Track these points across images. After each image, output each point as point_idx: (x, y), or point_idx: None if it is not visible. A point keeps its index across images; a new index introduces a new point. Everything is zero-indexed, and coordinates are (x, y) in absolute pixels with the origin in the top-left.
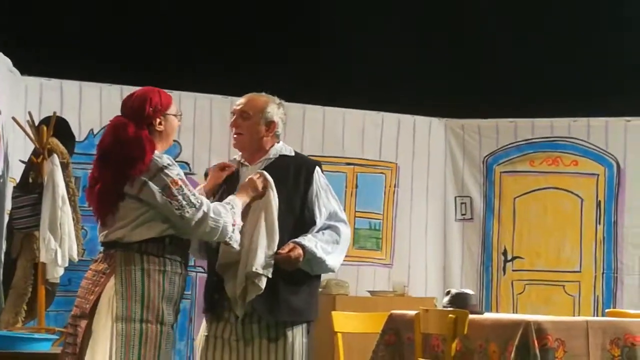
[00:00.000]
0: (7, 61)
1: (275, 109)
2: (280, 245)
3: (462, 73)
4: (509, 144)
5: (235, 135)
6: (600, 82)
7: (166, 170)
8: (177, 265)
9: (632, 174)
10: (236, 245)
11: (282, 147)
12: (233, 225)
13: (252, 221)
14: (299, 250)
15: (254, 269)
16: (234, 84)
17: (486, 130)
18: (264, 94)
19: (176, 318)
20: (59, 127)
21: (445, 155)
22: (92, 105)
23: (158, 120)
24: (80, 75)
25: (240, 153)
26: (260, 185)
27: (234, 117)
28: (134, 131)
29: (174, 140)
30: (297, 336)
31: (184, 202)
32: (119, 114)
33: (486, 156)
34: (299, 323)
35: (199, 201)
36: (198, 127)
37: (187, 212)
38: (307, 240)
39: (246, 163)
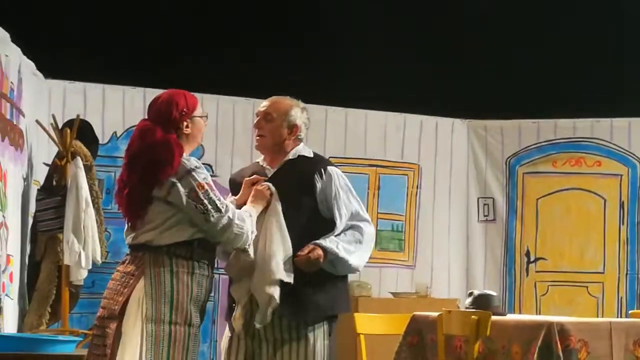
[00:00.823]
0: (31, 65)
1: (299, 112)
2: (299, 248)
3: (485, 74)
4: (532, 145)
5: (257, 137)
6: (624, 83)
7: (194, 173)
8: (205, 268)
9: None
10: (251, 254)
11: (302, 149)
12: (252, 233)
13: (262, 230)
14: (319, 251)
15: (278, 277)
16: (257, 86)
17: (508, 131)
18: (288, 97)
19: (202, 319)
20: (82, 129)
21: (467, 157)
22: (115, 108)
23: (185, 123)
24: (103, 78)
25: (262, 156)
26: (267, 195)
27: (258, 118)
28: (162, 135)
29: None
30: (319, 337)
31: (210, 207)
32: (143, 116)
33: (509, 157)
34: (321, 320)
35: (224, 206)
36: (221, 129)
37: (213, 216)
38: (328, 241)
39: (267, 167)
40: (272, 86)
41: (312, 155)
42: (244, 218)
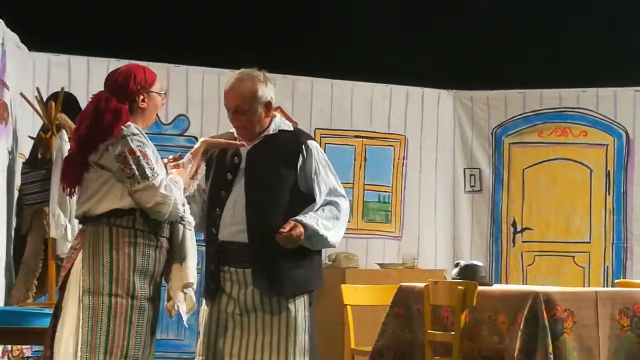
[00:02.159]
0: (15, 37)
1: (265, 88)
2: (281, 223)
3: (471, 45)
4: (518, 116)
5: (240, 131)
6: (610, 53)
7: (128, 139)
8: (151, 238)
9: None
10: (189, 227)
11: (281, 122)
12: (184, 205)
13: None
14: (301, 229)
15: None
16: (243, 58)
17: (495, 101)
18: (244, 74)
19: (157, 292)
20: (67, 103)
21: (454, 128)
22: (100, 80)
23: (142, 97)
24: (88, 51)
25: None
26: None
27: (230, 113)
28: (115, 104)
29: (183, 115)
30: (300, 309)
31: (137, 173)
32: None
33: (495, 128)
34: (301, 294)
35: (154, 175)
36: (207, 101)
37: (139, 182)
38: (308, 218)
39: (241, 138)
40: (257, 58)
41: (292, 129)
42: (172, 188)
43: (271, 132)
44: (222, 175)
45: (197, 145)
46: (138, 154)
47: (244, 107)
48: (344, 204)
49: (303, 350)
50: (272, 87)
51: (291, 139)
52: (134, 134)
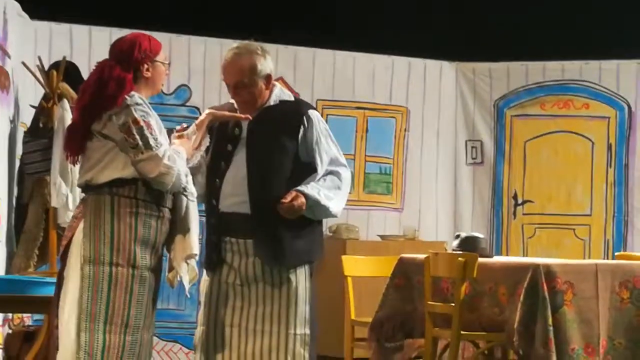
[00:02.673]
0: (17, 5)
1: (263, 60)
2: (284, 192)
3: (473, 16)
4: (520, 87)
5: (241, 104)
6: (612, 25)
7: (131, 108)
8: (153, 208)
9: None
10: (192, 197)
11: (281, 93)
12: (186, 175)
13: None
14: (302, 199)
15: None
16: (245, 28)
17: (497, 73)
18: (241, 48)
19: (159, 262)
20: (68, 71)
21: (455, 99)
22: (102, 49)
23: (146, 66)
24: (89, 20)
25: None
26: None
27: (231, 89)
28: (119, 72)
29: (184, 85)
30: (301, 279)
31: (140, 142)
32: None
33: (497, 100)
34: (302, 264)
35: (158, 145)
36: (208, 71)
37: (142, 152)
38: (310, 188)
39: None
40: (259, 28)
41: (292, 99)
42: (175, 158)
43: (272, 103)
44: (223, 146)
45: (201, 117)
46: (141, 123)
47: (243, 81)
48: (345, 174)
49: (304, 320)
50: (270, 59)
51: (292, 109)
52: (137, 104)
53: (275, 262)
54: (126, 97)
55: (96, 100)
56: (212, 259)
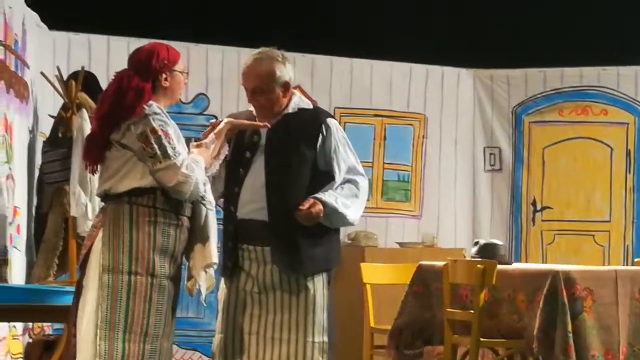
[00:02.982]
0: (35, 16)
1: (283, 67)
2: (301, 200)
3: (491, 23)
4: (538, 94)
5: (258, 110)
6: (630, 31)
7: (150, 118)
8: (171, 217)
9: None
10: (210, 206)
11: (300, 101)
12: (205, 184)
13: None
14: (319, 206)
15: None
16: (262, 36)
17: (515, 80)
18: (262, 54)
19: (178, 271)
20: (87, 81)
21: (473, 106)
22: (120, 59)
23: (164, 75)
24: (108, 30)
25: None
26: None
27: (248, 94)
28: (137, 82)
29: (202, 94)
30: (318, 287)
31: (159, 152)
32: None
33: (515, 106)
34: (319, 272)
35: (177, 155)
36: (226, 80)
37: (160, 161)
38: (327, 195)
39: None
40: (276, 36)
41: (311, 107)
42: (193, 167)
43: (290, 111)
44: (241, 153)
45: (220, 126)
46: (160, 132)
47: (262, 87)
48: (363, 182)
49: (321, 328)
50: (290, 67)
51: (310, 117)
52: (155, 113)
53: (292, 270)
54: (144, 106)
55: (115, 110)
56: (228, 266)
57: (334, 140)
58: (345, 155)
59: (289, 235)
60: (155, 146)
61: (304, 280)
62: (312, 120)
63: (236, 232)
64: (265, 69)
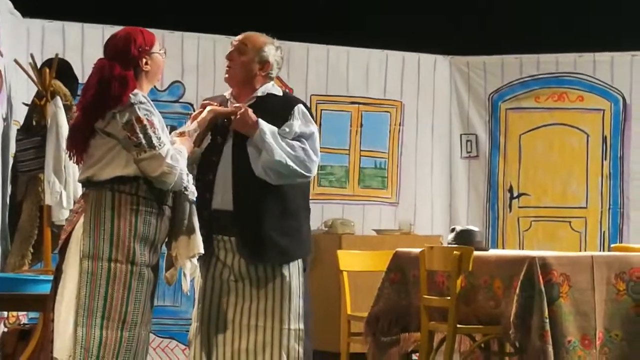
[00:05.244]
0: (8, 3)
1: (273, 50)
2: (265, 193)
3: (466, 9)
4: (514, 81)
5: (227, 68)
6: (606, 17)
7: (135, 107)
8: (153, 205)
9: (638, 108)
10: (192, 197)
11: (271, 87)
12: (188, 175)
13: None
14: (255, 118)
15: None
16: (238, 24)
17: (491, 66)
18: (264, 34)
19: (157, 259)
20: (61, 69)
21: (450, 93)
22: (94, 46)
23: (144, 60)
24: (82, 17)
25: (230, 90)
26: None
27: (231, 49)
28: (120, 71)
29: (178, 81)
30: (294, 274)
31: (144, 141)
32: None
33: (491, 93)
34: (285, 263)
35: (161, 145)
36: (202, 68)
37: (145, 151)
38: (267, 126)
39: (233, 100)
40: (252, 23)
41: (281, 94)
42: (178, 158)
43: (259, 94)
44: (214, 138)
45: (203, 114)
46: (145, 122)
47: (245, 49)
48: (307, 155)
49: (297, 315)
50: (278, 55)
51: (280, 104)
52: (141, 102)
53: (257, 260)
54: (130, 95)
55: (100, 100)
56: (204, 255)
57: (298, 120)
58: (304, 127)
59: (254, 226)
60: (140, 135)
61: (279, 268)
62: (281, 108)
63: (210, 222)
64: (259, 39)
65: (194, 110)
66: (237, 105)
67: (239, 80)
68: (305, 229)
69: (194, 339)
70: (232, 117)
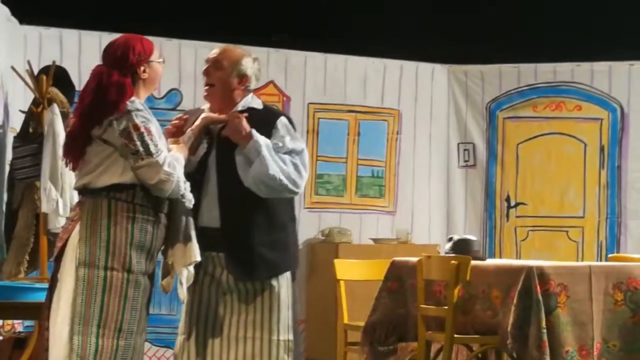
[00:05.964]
0: (6, 10)
1: (250, 62)
2: (251, 209)
3: (465, 19)
4: (512, 90)
5: (206, 87)
6: (604, 26)
7: (132, 114)
8: (150, 213)
9: (636, 118)
10: (189, 204)
11: (251, 100)
12: (185, 182)
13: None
14: (249, 129)
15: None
16: (236, 32)
17: (489, 76)
18: (240, 47)
19: (153, 267)
20: (58, 76)
21: (448, 102)
22: (91, 53)
23: (142, 67)
24: (79, 24)
25: (209, 105)
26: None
27: (207, 65)
28: (118, 78)
29: (175, 89)
30: (283, 285)
31: (141, 149)
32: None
33: (489, 102)
34: (273, 277)
35: (159, 152)
36: (199, 76)
37: (142, 158)
38: (262, 139)
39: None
40: (251, 32)
41: (261, 107)
42: (175, 165)
43: (240, 108)
44: (199, 154)
45: (197, 122)
46: (142, 129)
47: (221, 64)
48: (301, 180)
49: (287, 326)
50: (256, 67)
51: (262, 117)
52: (138, 109)
53: (245, 277)
54: (127, 102)
55: (97, 107)
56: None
57: (287, 136)
58: (292, 143)
59: (243, 243)
60: (138, 143)
61: (268, 280)
62: (264, 120)
63: (198, 239)
64: (235, 53)
65: None
66: (234, 113)
67: (218, 97)
68: (293, 240)
69: (181, 353)
70: (230, 115)
